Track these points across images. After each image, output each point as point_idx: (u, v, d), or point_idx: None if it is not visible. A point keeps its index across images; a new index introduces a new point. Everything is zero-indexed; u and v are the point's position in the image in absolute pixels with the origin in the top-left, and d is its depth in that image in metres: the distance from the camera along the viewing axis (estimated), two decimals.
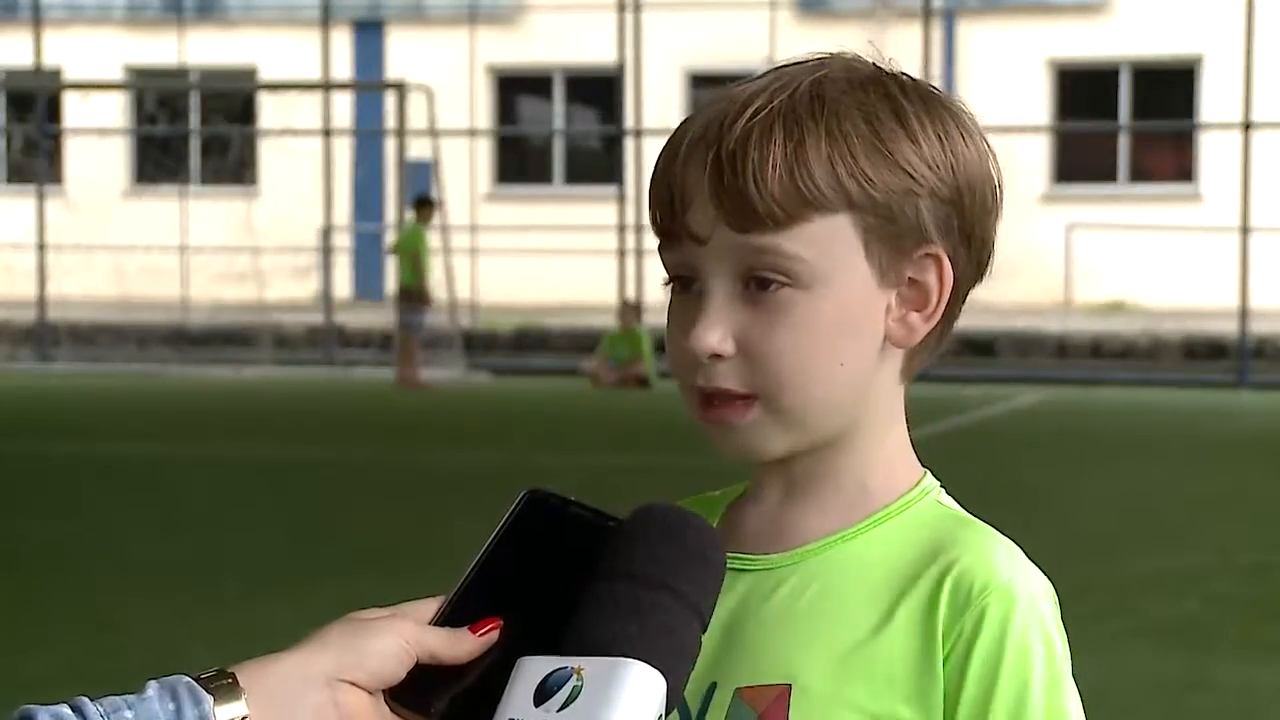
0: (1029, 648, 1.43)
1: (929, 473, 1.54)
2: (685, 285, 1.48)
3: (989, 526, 1.49)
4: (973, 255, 1.51)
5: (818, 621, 1.47)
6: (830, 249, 1.44)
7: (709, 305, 1.46)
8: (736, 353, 1.45)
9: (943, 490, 1.54)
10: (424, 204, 20.55)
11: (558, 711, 1.31)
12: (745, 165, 1.43)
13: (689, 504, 1.59)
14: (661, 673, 1.33)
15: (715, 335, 1.45)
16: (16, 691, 6.65)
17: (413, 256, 20.05)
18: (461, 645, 1.39)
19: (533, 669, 1.33)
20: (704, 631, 1.38)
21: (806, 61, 1.50)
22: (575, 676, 1.32)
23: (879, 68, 1.50)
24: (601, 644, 1.33)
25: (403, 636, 1.38)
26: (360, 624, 1.39)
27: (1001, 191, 1.52)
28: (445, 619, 1.41)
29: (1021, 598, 1.43)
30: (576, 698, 1.31)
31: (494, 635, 1.39)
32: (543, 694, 1.32)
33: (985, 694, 1.42)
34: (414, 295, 20.07)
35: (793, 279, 1.44)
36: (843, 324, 1.46)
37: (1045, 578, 1.47)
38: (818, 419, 1.47)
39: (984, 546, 1.46)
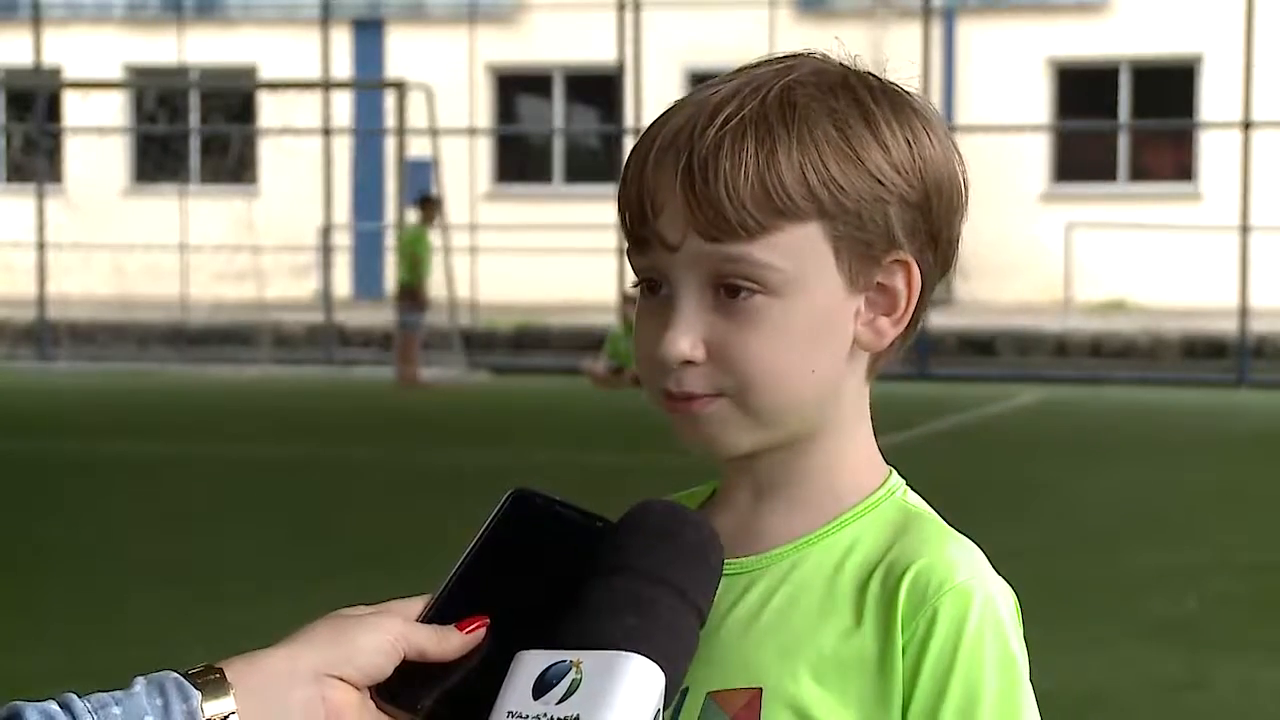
0: (982, 648, 1.43)
1: (894, 471, 1.55)
2: (653, 288, 1.49)
3: (950, 528, 1.50)
4: (939, 255, 1.51)
5: (787, 625, 1.48)
6: (801, 257, 1.44)
7: (679, 311, 1.46)
8: (707, 359, 1.46)
9: (909, 489, 1.54)
10: (426, 202, 20.55)
11: (557, 704, 1.31)
12: (717, 174, 1.43)
13: None
14: (660, 666, 1.33)
15: (686, 342, 1.45)
16: (16, 690, 6.64)
17: (411, 256, 20.09)
18: (449, 642, 1.39)
19: (531, 662, 1.34)
20: (702, 627, 1.37)
21: (774, 63, 1.50)
22: (574, 669, 1.32)
23: (846, 68, 1.50)
24: (601, 637, 1.33)
25: (390, 633, 1.38)
26: (348, 620, 1.39)
27: (967, 189, 1.53)
28: (432, 616, 1.41)
29: (977, 599, 1.44)
30: (575, 690, 1.31)
31: (481, 633, 1.40)
32: (542, 687, 1.32)
33: (937, 693, 1.42)
34: (411, 294, 20.11)
35: (764, 286, 1.44)
36: (813, 331, 1.46)
37: (1004, 582, 1.47)
38: (785, 420, 1.48)
39: (942, 547, 1.46)
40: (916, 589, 1.44)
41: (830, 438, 1.51)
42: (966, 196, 1.52)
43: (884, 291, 1.48)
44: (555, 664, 1.33)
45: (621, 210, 1.49)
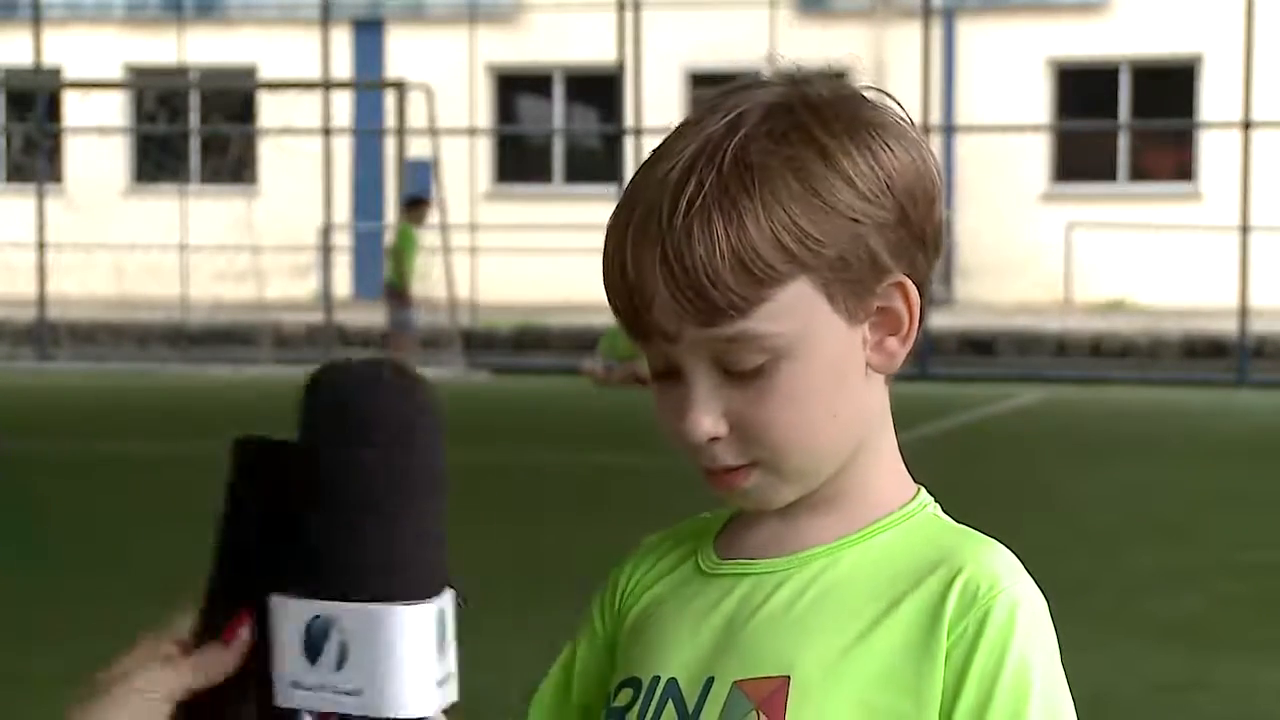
0: (1030, 655, 1.45)
1: (924, 489, 1.56)
2: (666, 370, 1.49)
3: (989, 537, 1.51)
4: (928, 250, 1.51)
5: (817, 617, 1.49)
6: (798, 315, 1.45)
7: (695, 393, 1.46)
8: (731, 431, 1.47)
9: (938, 505, 1.56)
10: (414, 203, 20.71)
11: (334, 672, 1.24)
12: (694, 262, 1.42)
13: (684, 527, 1.61)
14: (424, 597, 1.24)
15: (708, 422, 1.46)
16: (18, 691, 6.64)
17: (396, 255, 20.30)
18: (218, 664, 1.29)
19: (289, 617, 1.25)
20: (444, 484, 1.28)
21: (722, 111, 1.47)
22: (336, 630, 1.24)
23: (793, 94, 1.47)
24: (351, 584, 1.24)
25: (146, 695, 1.27)
26: (95, 704, 1.28)
27: (940, 175, 1.52)
28: (202, 631, 1.31)
29: (1024, 605, 1.46)
30: (347, 656, 1.24)
31: (245, 633, 1.28)
32: (311, 649, 1.25)
33: (984, 698, 1.43)
34: (396, 294, 20.28)
35: (770, 353, 1.45)
36: (828, 379, 1.47)
37: (1034, 583, 1.49)
38: (820, 469, 1.50)
39: (989, 556, 1.48)
40: (967, 592, 1.45)
41: (859, 455, 1.52)
42: (940, 181, 1.51)
43: (885, 314, 1.49)
44: (314, 619, 1.24)
45: (611, 299, 1.49)
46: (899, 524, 1.52)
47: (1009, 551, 1.49)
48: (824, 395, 1.47)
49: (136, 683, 1.28)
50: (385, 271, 20.52)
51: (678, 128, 1.49)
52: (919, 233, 1.49)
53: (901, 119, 1.50)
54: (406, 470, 1.27)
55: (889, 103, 1.51)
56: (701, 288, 1.42)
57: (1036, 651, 1.45)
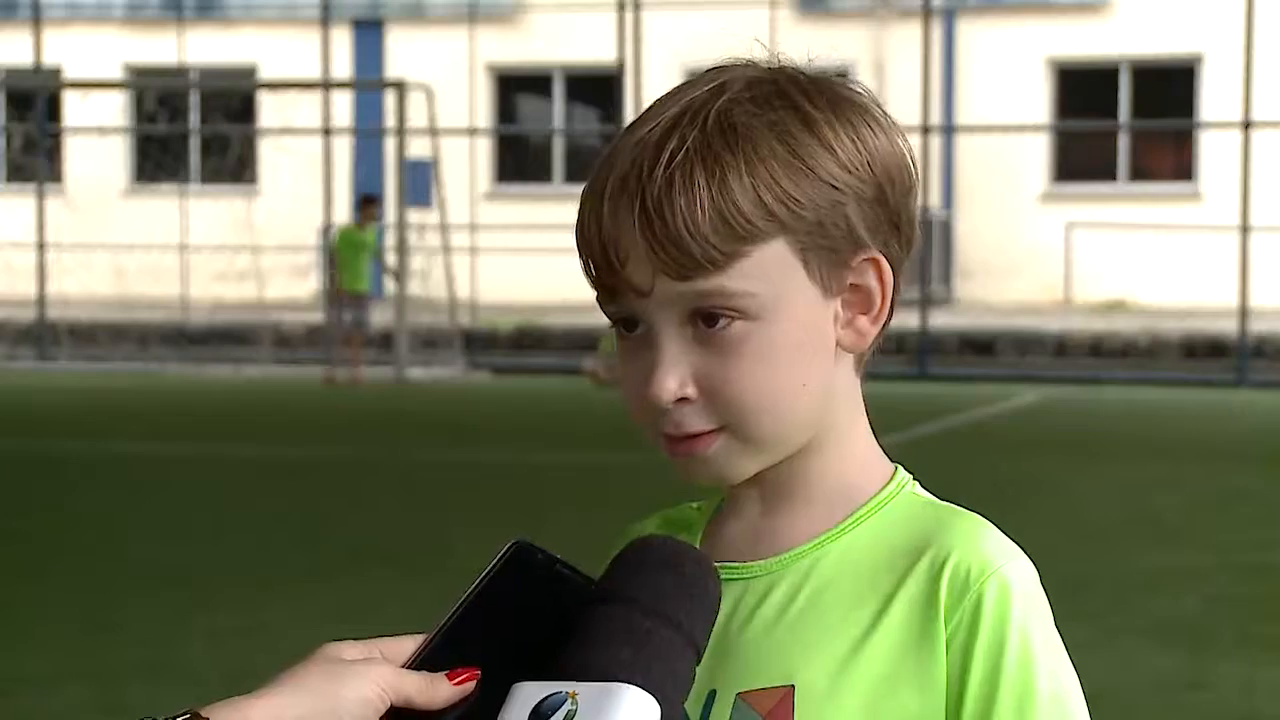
0: (1030, 632, 1.45)
1: (900, 467, 1.55)
2: (629, 325, 1.48)
3: (971, 512, 1.51)
4: (902, 239, 1.51)
5: (814, 621, 1.48)
6: (773, 277, 1.44)
7: (663, 352, 1.45)
8: (699, 394, 1.45)
9: (917, 483, 1.55)
10: (364, 202, 21.43)
11: None
12: (674, 213, 1.42)
13: (669, 515, 1.61)
14: (656, 699, 1.33)
15: (675, 381, 1.45)
16: (15, 689, 6.64)
17: (342, 259, 20.74)
18: (438, 692, 1.38)
19: (528, 694, 1.34)
20: (699, 662, 1.37)
21: (705, 82, 1.49)
22: (570, 701, 1.32)
23: (776, 71, 1.50)
24: (596, 668, 1.33)
25: (379, 683, 1.36)
26: (336, 667, 1.37)
27: (915, 166, 1.52)
28: (422, 663, 1.40)
29: (1016, 583, 1.46)
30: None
31: (470, 685, 1.39)
32: (538, 717, 1.32)
33: (991, 680, 1.44)
34: (346, 295, 20.62)
35: (743, 314, 1.44)
36: (798, 346, 1.46)
37: (1023, 553, 1.49)
38: (786, 439, 1.49)
39: (973, 533, 1.48)
40: (957, 577, 1.45)
41: (830, 439, 1.51)
42: (916, 173, 1.52)
43: (858, 291, 1.49)
44: (551, 695, 1.33)
45: (584, 259, 1.48)
46: (879, 509, 1.51)
47: (992, 525, 1.49)
48: (794, 362, 1.46)
49: (374, 673, 1.37)
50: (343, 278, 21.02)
51: (659, 98, 1.50)
52: (894, 216, 1.50)
53: (882, 109, 1.52)
54: (676, 592, 1.38)
55: (869, 94, 1.52)
56: (680, 239, 1.42)
57: (1035, 628, 1.45)
